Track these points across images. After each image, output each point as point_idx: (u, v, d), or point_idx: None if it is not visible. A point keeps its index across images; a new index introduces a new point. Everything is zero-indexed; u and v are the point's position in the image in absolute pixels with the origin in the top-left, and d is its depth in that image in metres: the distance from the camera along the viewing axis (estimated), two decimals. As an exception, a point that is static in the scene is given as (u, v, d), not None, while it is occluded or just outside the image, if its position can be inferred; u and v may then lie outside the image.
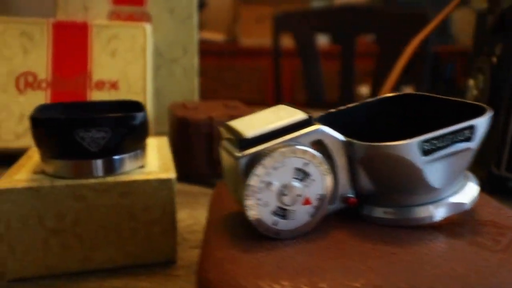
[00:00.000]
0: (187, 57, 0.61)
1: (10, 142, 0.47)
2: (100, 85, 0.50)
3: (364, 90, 2.40)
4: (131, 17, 0.57)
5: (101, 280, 0.26)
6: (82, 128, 0.25)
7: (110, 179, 0.26)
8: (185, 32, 0.60)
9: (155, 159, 0.30)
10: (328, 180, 0.18)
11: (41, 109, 0.28)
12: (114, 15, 0.57)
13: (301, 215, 0.18)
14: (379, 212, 0.19)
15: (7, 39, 0.49)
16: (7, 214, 0.25)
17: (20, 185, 0.25)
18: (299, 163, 0.17)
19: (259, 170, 0.17)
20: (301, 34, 1.48)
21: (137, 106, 0.31)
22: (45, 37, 0.50)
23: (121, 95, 0.50)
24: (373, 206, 0.20)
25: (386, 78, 0.46)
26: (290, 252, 0.17)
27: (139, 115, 0.26)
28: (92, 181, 0.26)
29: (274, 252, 0.17)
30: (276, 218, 0.18)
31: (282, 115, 0.19)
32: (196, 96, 0.62)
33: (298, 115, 0.18)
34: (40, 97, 0.48)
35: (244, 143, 0.18)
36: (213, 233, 0.19)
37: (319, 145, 0.18)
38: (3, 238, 0.25)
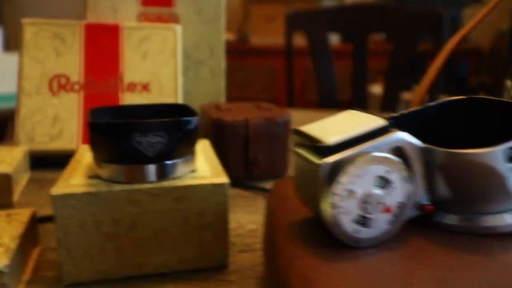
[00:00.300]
0: (214, 58, 0.61)
1: (44, 144, 0.47)
2: (131, 87, 0.50)
3: (376, 89, 2.39)
4: (159, 18, 0.57)
5: (155, 285, 0.26)
6: (139, 133, 0.25)
7: (165, 183, 0.26)
8: (213, 33, 0.60)
9: (204, 163, 0.30)
10: (408, 188, 0.18)
11: (94, 113, 0.28)
12: (143, 16, 0.57)
13: (381, 223, 0.18)
14: (454, 220, 0.19)
15: (39, 41, 0.49)
16: (66, 219, 0.25)
17: (79, 190, 0.25)
18: (381, 171, 0.17)
19: (343, 178, 0.17)
20: (314, 33, 1.48)
21: (185, 110, 0.31)
22: (77, 39, 0.50)
23: (153, 97, 0.50)
24: (448, 213, 0.19)
25: (423, 77, 0.46)
26: (372, 261, 0.17)
27: (194, 120, 0.26)
28: (147, 186, 0.26)
29: (357, 261, 0.17)
30: (357, 226, 0.18)
31: (359, 121, 0.19)
32: (222, 97, 0.62)
33: (376, 121, 0.18)
34: (73, 99, 0.49)
35: (325, 150, 0.17)
36: (287, 240, 0.19)
37: (398, 151, 0.18)
38: (61, 243, 0.25)
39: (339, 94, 1.59)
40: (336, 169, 0.17)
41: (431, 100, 1.33)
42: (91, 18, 0.55)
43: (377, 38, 2.84)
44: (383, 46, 2.69)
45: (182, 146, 0.27)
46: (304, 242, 0.19)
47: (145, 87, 0.51)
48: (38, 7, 2.64)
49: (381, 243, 0.18)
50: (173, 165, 0.27)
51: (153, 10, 0.57)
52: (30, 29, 0.49)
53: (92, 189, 0.25)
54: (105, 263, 0.26)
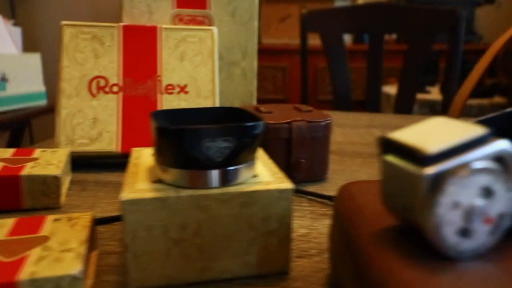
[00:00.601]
0: (247, 60, 0.60)
1: (84, 146, 0.47)
2: (169, 89, 0.50)
3: (390, 89, 2.37)
4: (193, 20, 0.57)
5: (221, 291, 0.26)
6: (209, 138, 0.25)
7: (232, 189, 0.26)
8: (246, 35, 0.59)
9: (262, 168, 0.30)
10: (510, 198, 0.17)
11: (154, 116, 0.28)
12: (177, 18, 0.57)
13: (482, 234, 0.17)
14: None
15: (79, 44, 0.49)
16: (134, 224, 0.25)
17: (148, 195, 0.25)
18: (484, 181, 0.17)
19: (447, 189, 0.16)
20: (328, 33, 1.47)
21: (241, 113, 0.31)
22: (115, 41, 0.50)
23: (191, 99, 0.50)
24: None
25: (467, 77, 0.45)
26: (476, 275, 0.16)
27: (261, 124, 0.26)
28: (215, 191, 0.26)
29: (462, 275, 0.16)
30: (459, 238, 0.17)
31: (454, 129, 0.18)
32: (254, 99, 0.62)
33: (475, 129, 0.18)
34: (112, 101, 0.49)
35: (426, 159, 0.17)
36: (379, 251, 0.19)
37: (498, 160, 0.17)
38: (128, 248, 0.25)
39: (353, 95, 1.59)
40: (439, 179, 0.17)
41: (447, 101, 1.31)
42: (127, 20, 0.55)
43: (387, 38, 2.82)
44: (393, 46, 2.68)
45: (248, 151, 0.26)
46: (400, 253, 0.18)
47: (183, 89, 0.50)
48: (51, 8, 2.66)
49: (481, 255, 0.18)
50: (238, 170, 0.26)
51: (188, 11, 0.57)
52: (69, 31, 0.49)
53: (161, 195, 0.25)
54: (170, 268, 0.26)
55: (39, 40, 2.73)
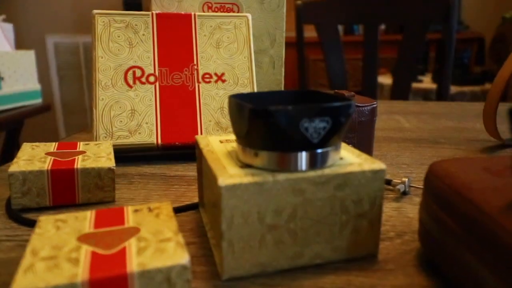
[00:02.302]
0: (275, 47, 0.59)
1: (124, 138, 0.46)
2: (207, 77, 0.49)
3: (384, 79, 2.39)
4: (222, 8, 0.56)
5: (316, 277, 0.25)
6: (307, 118, 0.24)
7: (328, 171, 0.25)
8: (274, 22, 0.58)
9: (344, 151, 0.29)
10: None
11: (235, 99, 0.26)
12: (206, 6, 0.56)
13: None
14: None
15: (113, 33, 0.47)
16: (232, 210, 0.24)
17: (246, 180, 0.24)
18: None
19: None
20: (324, 24, 1.47)
21: (317, 95, 0.30)
22: (150, 30, 0.48)
23: (229, 87, 0.49)
24: None
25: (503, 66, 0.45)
26: None
27: (353, 104, 0.25)
28: (311, 173, 0.25)
29: None
30: None
31: None
32: (282, 88, 0.61)
33: None
34: (150, 91, 0.47)
35: None
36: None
37: None
38: (224, 236, 0.24)
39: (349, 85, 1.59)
40: None
41: (442, 89, 1.33)
42: (156, 9, 0.54)
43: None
44: (383, 36, 2.69)
45: (340, 133, 0.26)
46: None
47: (220, 78, 0.49)
48: (40, 4, 2.59)
49: None
50: (330, 152, 0.26)
51: (216, -1, 0.56)
52: (101, 20, 0.47)
53: (258, 179, 0.24)
54: (264, 255, 0.25)
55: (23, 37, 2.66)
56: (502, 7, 3.08)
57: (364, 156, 0.28)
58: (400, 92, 1.38)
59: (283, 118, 0.23)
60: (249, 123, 0.24)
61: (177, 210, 0.34)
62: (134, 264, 0.21)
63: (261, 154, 0.25)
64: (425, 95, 2.25)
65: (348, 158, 0.28)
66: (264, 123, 0.24)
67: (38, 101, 1.59)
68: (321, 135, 0.25)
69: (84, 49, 2.81)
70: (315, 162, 0.25)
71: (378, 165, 0.26)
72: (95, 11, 0.47)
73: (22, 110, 1.46)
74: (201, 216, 0.34)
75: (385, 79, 2.40)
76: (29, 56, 1.53)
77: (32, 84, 1.56)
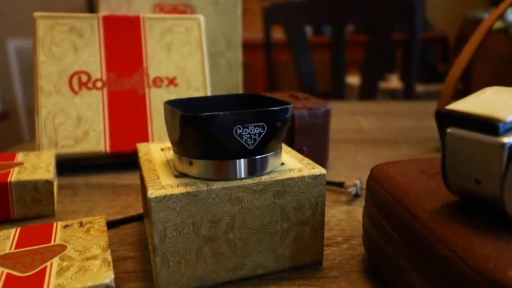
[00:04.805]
0: (232, 50, 0.58)
1: (70, 147, 0.43)
2: (158, 82, 0.47)
3: (353, 79, 2.42)
4: (175, 9, 0.55)
5: (258, 288, 0.24)
6: (241, 124, 0.23)
7: (265, 178, 0.24)
8: (229, 24, 0.57)
9: (286, 156, 0.28)
10: None
11: (170, 106, 0.25)
12: (158, 8, 0.54)
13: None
14: None
15: (56, 36, 0.45)
16: (163, 223, 0.23)
17: (177, 191, 0.22)
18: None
19: (530, 157, 0.16)
20: (292, 25, 1.47)
21: (257, 99, 0.29)
22: (96, 33, 0.46)
23: (181, 91, 0.48)
24: None
25: (455, 59, 0.45)
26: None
27: (290, 108, 0.25)
28: (248, 181, 0.24)
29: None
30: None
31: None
32: (240, 90, 0.60)
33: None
34: (97, 97, 0.45)
35: (502, 128, 0.16)
36: (450, 226, 0.18)
37: None
38: (157, 250, 0.23)
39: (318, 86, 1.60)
40: (518, 147, 0.16)
41: (408, 88, 1.35)
42: (104, 11, 0.52)
43: (347, 29, 2.88)
44: (352, 37, 2.73)
45: (278, 138, 0.25)
46: (471, 227, 0.17)
47: (172, 82, 0.48)
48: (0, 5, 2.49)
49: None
50: (269, 158, 0.25)
51: (169, 1, 0.54)
52: (43, 24, 0.45)
53: (191, 189, 0.23)
54: (202, 268, 0.24)
55: (-15, 43, 2.55)
56: (465, 7, 3.18)
57: (307, 160, 0.27)
58: (368, 92, 1.40)
59: (216, 124, 0.22)
60: (181, 130, 0.23)
61: (120, 222, 0.32)
62: (51, 286, 0.19)
63: (196, 162, 0.24)
64: (393, 94, 2.29)
65: (289, 163, 0.27)
66: (197, 130, 0.23)
67: (-4, 108, 1.52)
68: (257, 141, 0.24)
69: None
70: (252, 169, 0.24)
71: (318, 170, 0.25)
72: (36, 13, 0.45)
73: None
74: (145, 228, 0.32)
75: (354, 79, 2.44)
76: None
77: (-11, 90, 1.49)
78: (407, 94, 1.34)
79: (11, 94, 2.73)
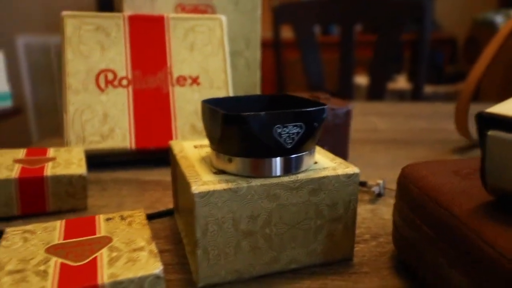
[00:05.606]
0: (250, 49, 0.59)
1: (96, 143, 0.44)
2: (181, 80, 0.48)
3: (361, 80, 2.42)
4: (196, 9, 0.55)
5: (293, 282, 0.25)
6: (281, 123, 0.24)
7: (302, 176, 0.25)
8: (249, 24, 0.58)
9: (318, 155, 0.29)
10: None
11: (209, 104, 0.26)
12: (179, 7, 0.55)
13: None
14: None
15: (83, 35, 0.46)
16: (206, 217, 0.23)
17: (219, 187, 0.23)
18: None
19: None
20: (301, 24, 1.48)
21: (291, 99, 0.30)
22: (121, 32, 0.47)
23: (203, 90, 0.49)
24: None
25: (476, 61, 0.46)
26: None
27: (326, 109, 0.25)
28: (285, 179, 0.25)
29: None
30: None
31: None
32: (258, 90, 0.61)
33: None
34: (122, 95, 0.46)
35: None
36: (488, 225, 0.19)
37: None
38: (199, 244, 0.24)
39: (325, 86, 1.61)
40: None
41: (417, 89, 1.36)
42: (128, 10, 0.53)
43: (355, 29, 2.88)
44: (360, 37, 2.73)
45: (314, 137, 0.26)
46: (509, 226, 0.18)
47: (195, 81, 0.49)
48: (9, 2, 2.51)
49: None
50: (304, 157, 0.26)
51: (190, 1, 0.55)
52: (71, 23, 0.46)
53: (232, 185, 0.24)
54: (239, 262, 0.25)
55: (-6, 39, 2.57)
56: (474, 9, 3.17)
57: (339, 160, 0.28)
58: (376, 92, 1.40)
59: (257, 124, 0.23)
60: (222, 129, 0.24)
61: (151, 217, 0.33)
62: (105, 275, 0.20)
63: (235, 160, 0.25)
64: (400, 95, 2.29)
65: (322, 162, 0.28)
66: (238, 129, 0.23)
67: (8, 104, 1.54)
68: (295, 141, 0.24)
69: (56, 50, 2.74)
70: (289, 168, 0.25)
71: (352, 169, 0.26)
72: (64, 12, 0.46)
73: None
74: (176, 223, 0.33)
75: (361, 80, 2.44)
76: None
77: (1, 86, 1.51)
78: (415, 95, 1.34)
79: (20, 90, 2.75)
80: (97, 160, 0.47)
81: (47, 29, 2.70)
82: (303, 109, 0.24)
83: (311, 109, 0.24)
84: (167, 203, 0.37)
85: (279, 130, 0.24)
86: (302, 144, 0.25)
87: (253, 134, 0.23)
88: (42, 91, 2.81)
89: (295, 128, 0.24)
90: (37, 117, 2.84)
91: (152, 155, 0.47)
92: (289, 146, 0.24)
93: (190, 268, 0.27)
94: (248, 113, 0.23)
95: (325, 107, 0.25)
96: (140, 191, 0.40)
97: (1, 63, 1.51)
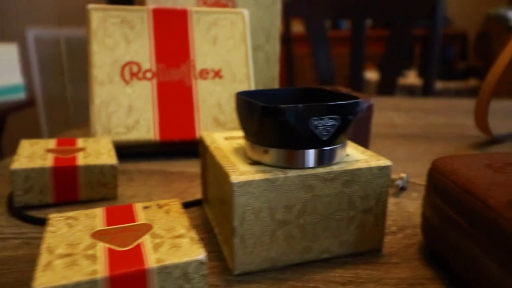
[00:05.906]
0: (270, 44, 0.60)
1: (121, 135, 0.45)
2: (204, 73, 0.49)
3: (370, 75, 2.41)
4: (217, 3, 0.56)
5: (325, 271, 0.26)
6: (317, 116, 0.24)
7: (336, 167, 0.26)
8: (269, 18, 0.59)
9: (349, 148, 0.30)
10: None
11: (243, 97, 0.27)
12: (201, 2, 0.55)
13: None
14: None
15: (108, 28, 0.47)
16: (244, 207, 0.24)
17: (257, 177, 0.24)
18: None
19: None
20: (312, 19, 1.47)
21: (323, 93, 0.30)
22: (146, 25, 0.48)
23: (226, 83, 0.49)
24: None
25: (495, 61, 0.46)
26: None
27: (360, 102, 0.26)
28: (320, 170, 0.25)
29: None
30: None
31: None
32: (276, 84, 0.62)
33: None
34: (147, 88, 0.47)
35: None
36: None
37: None
38: (236, 232, 0.24)
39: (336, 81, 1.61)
40: None
41: (427, 85, 1.35)
42: (152, 4, 0.53)
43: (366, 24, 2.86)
44: (370, 32, 2.72)
45: (347, 130, 0.26)
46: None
47: (218, 74, 0.49)
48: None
49: None
50: (337, 149, 0.26)
51: (212, -6, 0.56)
52: (97, 15, 0.47)
53: (270, 176, 0.24)
54: (273, 250, 0.26)
55: None
56: (485, 4, 3.14)
57: (369, 152, 0.29)
58: (387, 87, 1.40)
59: (294, 116, 0.24)
60: (259, 121, 0.25)
61: (188, 205, 0.34)
62: (152, 260, 0.21)
63: (271, 151, 0.25)
64: (411, 90, 2.28)
65: (354, 155, 0.28)
66: (275, 121, 0.24)
67: (22, 96, 1.56)
68: (330, 133, 0.25)
69: (66, 43, 2.75)
70: (323, 159, 0.26)
71: (384, 161, 0.27)
72: (90, 5, 0.47)
73: (5, 106, 1.43)
74: (205, 212, 0.34)
75: (371, 75, 2.43)
76: (11, 49, 1.49)
77: (15, 78, 1.52)
78: (426, 90, 1.34)
79: (30, 83, 2.77)
80: (122, 151, 0.48)
81: (57, 22, 2.72)
82: (339, 102, 0.25)
83: (347, 102, 0.25)
84: (194, 194, 0.38)
85: (315, 122, 0.24)
86: (337, 137, 0.26)
87: (290, 126, 0.24)
88: (51, 83, 2.82)
89: (331, 120, 0.25)
90: (47, 109, 2.87)
91: (174, 147, 0.48)
92: (325, 138, 0.25)
93: (225, 256, 0.27)
94: (286, 105, 0.24)
95: (359, 100, 0.26)
96: (167, 182, 0.40)
97: (15, 56, 1.53)
